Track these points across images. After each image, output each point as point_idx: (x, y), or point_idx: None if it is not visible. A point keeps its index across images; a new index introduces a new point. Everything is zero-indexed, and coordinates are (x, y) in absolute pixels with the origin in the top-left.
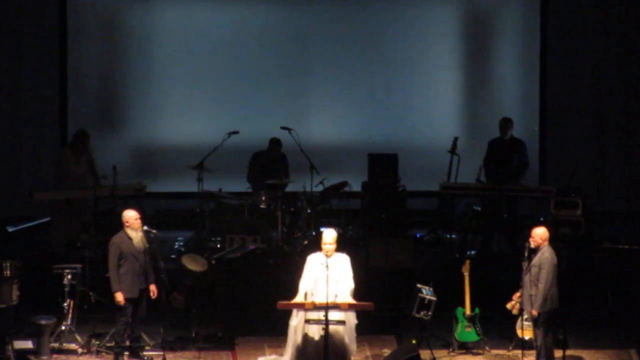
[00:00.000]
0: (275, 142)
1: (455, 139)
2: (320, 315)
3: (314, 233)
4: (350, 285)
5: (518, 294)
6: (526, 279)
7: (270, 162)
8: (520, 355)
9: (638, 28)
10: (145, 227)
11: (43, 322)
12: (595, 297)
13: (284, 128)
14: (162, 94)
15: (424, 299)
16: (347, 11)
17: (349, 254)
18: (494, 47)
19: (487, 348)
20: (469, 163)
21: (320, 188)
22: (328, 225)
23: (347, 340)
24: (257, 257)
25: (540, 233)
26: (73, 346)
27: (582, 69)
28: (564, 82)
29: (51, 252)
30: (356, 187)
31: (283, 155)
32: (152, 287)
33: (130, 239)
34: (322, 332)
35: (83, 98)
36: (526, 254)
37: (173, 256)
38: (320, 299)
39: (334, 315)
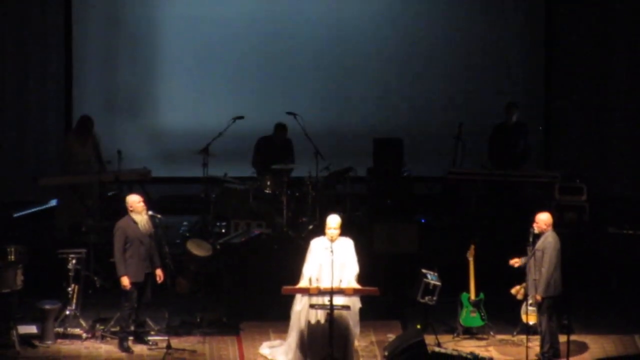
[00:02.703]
0: (280, 127)
1: (461, 124)
2: (324, 300)
3: (319, 218)
4: (355, 269)
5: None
6: (530, 263)
7: (275, 147)
8: (524, 340)
9: None
10: (151, 212)
11: (47, 307)
12: (600, 282)
13: (289, 113)
14: (167, 79)
15: (428, 284)
16: None
17: (353, 238)
18: (499, 31)
19: (491, 333)
20: (475, 148)
21: (325, 173)
22: (333, 210)
23: (351, 324)
24: (262, 242)
25: (544, 218)
26: (77, 331)
27: (587, 54)
28: (569, 67)
29: (56, 237)
30: (361, 172)
31: (288, 140)
32: (159, 272)
33: (135, 223)
34: (326, 317)
35: (88, 83)
36: (530, 239)
37: (178, 241)
38: (325, 284)
39: (338, 300)
